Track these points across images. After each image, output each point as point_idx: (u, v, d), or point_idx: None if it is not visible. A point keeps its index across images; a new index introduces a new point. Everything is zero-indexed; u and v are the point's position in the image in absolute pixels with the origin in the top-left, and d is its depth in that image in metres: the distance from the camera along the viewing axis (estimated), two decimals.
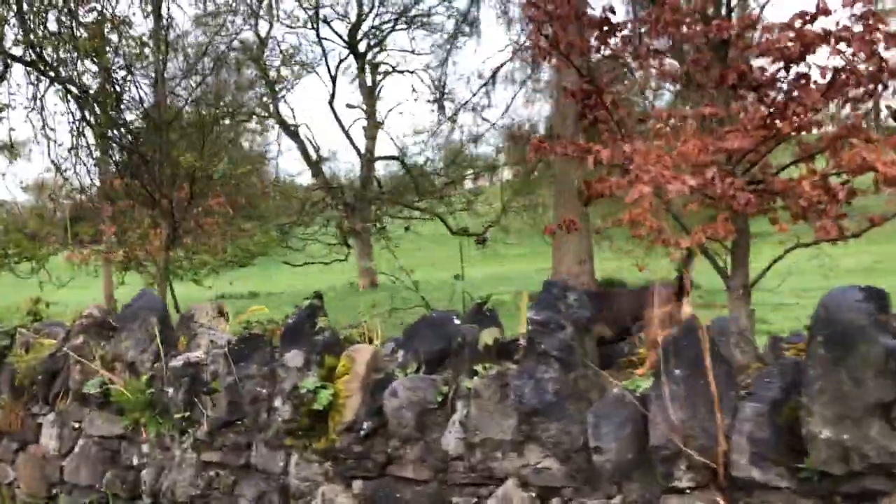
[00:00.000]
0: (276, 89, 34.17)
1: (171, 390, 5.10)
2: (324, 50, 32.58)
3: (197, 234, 15.54)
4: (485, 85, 25.41)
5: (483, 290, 5.67)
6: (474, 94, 25.68)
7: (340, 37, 33.79)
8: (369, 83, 35.68)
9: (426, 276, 36.92)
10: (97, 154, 17.33)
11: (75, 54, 16.07)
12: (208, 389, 4.93)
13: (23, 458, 6.33)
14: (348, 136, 34.14)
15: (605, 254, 24.61)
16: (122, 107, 17.12)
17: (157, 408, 5.25)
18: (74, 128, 17.58)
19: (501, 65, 25.04)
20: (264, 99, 34.12)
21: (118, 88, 16.58)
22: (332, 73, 32.40)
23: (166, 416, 5.22)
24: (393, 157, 35.85)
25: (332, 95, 33.47)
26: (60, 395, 6.09)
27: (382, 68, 34.57)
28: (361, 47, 34.38)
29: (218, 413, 4.83)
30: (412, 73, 34.34)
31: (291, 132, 35.27)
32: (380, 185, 35.78)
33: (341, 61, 32.49)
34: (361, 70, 35.08)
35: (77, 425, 5.90)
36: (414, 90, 40.55)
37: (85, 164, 17.70)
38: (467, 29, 25.47)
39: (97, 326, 5.91)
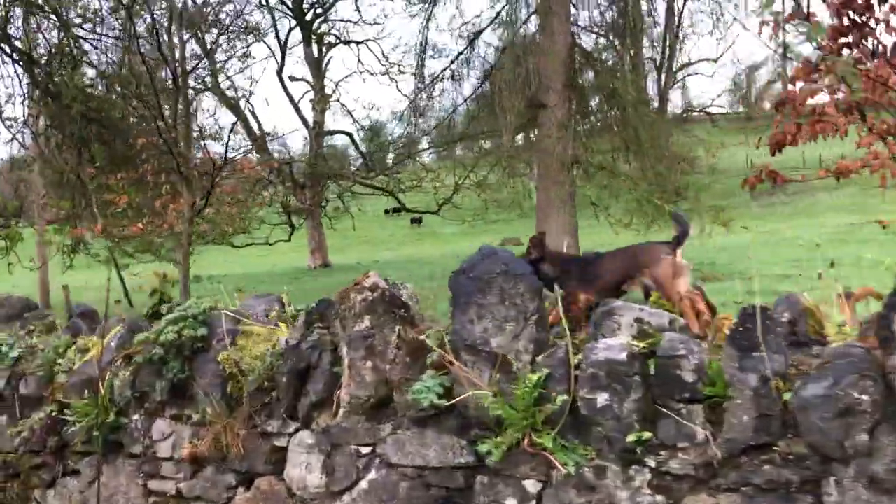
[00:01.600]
0: (216, 59, 31.12)
1: (602, 397, 3.15)
2: (273, 17, 29.72)
3: (221, 203, 13.21)
4: (462, 53, 23.33)
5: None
6: (453, 62, 23.57)
7: (285, 4, 31.09)
8: (316, 54, 33.16)
9: (367, 255, 34.55)
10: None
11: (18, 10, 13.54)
12: (695, 396, 3.01)
13: (247, 498, 4.21)
14: (297, 110, 31.61)
15: (594, 228, 23.24)
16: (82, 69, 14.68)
17: (558, 423, 3.28)
18: (23, 95, 15.02)
19: (481, 30, 23.05)
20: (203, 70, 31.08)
21: (76, 50, 14.13)
22: (282, 41, 29.71)
23: (578, 436, 3.27)
24: (342, 132, 33.46)
25: (281, 66, 30.81)
26: (325, 404, 4.01)
27: (332, 39, 32.01)
28: (308, 18, 31.81)
29: (734, 431, 2.92)
30: (360, 44, 31.88)
31: (233, 105, 32.40)
32: (325, 160, 33.25)
33: (291, 30, 29.81)
34: (308, 40, 32.54)
35: (367, 450, 3.83)
36: (360, 63, 38.10)
37: (33, 133, 15.22)
38: None
39: (387, 303, 3.86)
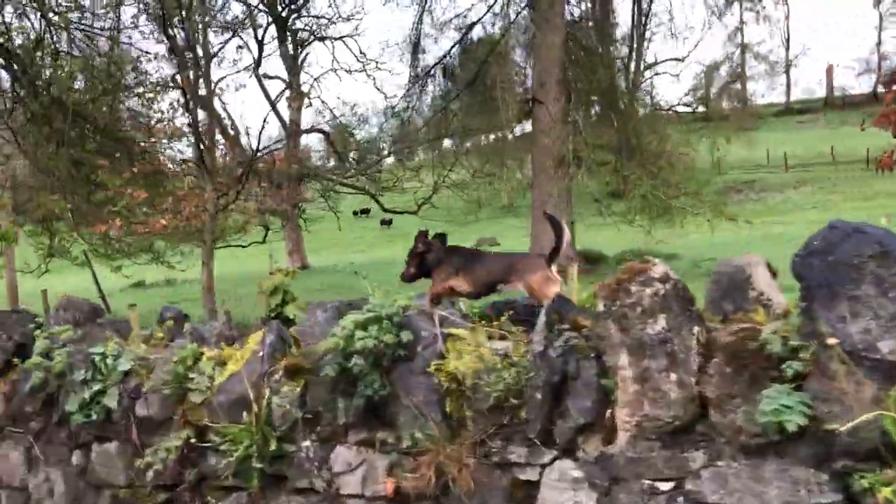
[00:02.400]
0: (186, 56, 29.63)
1: None
2: (251, 12, 28.33)
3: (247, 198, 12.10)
4: (458, 43, 22.34)
5: None
6: (445, 56, 22.61)
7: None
8: (291, 51, 31.97)
9: (339, 258, 33.40)
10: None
11: None
12: None
13: None
14: (274, 108, 30.32)
15: (598, 224, 22.57)
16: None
17: None
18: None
19: (475, 22, 22.17)
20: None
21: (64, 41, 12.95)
22: (260, 38, 28.41)
23: None
24: (318, 130, 32.27)
25: (258, 63, 29.48)
26: (594, 426, 3.08)
27: (309, 36, 30.84)
28: (283, 14, 30.56)
29: None
30: (336, 40, 30.77)
31: (205, 104, 30.87)
32: (301, 159, 31.99)
33: (269, 25, 28.54)
34: (283, 37, 31.31)
35: (668, 486, 2.92)
36: (335, 60, 36.95)
37: (11, 129, 13.92)
38: None
39: (681, 299, 2.96)
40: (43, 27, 12.78)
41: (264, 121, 11.40)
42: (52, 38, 13.01)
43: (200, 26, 10.69)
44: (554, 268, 3.85)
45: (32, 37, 12.70)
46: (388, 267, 27.90)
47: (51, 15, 12.57)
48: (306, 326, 4.11)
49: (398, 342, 3.44)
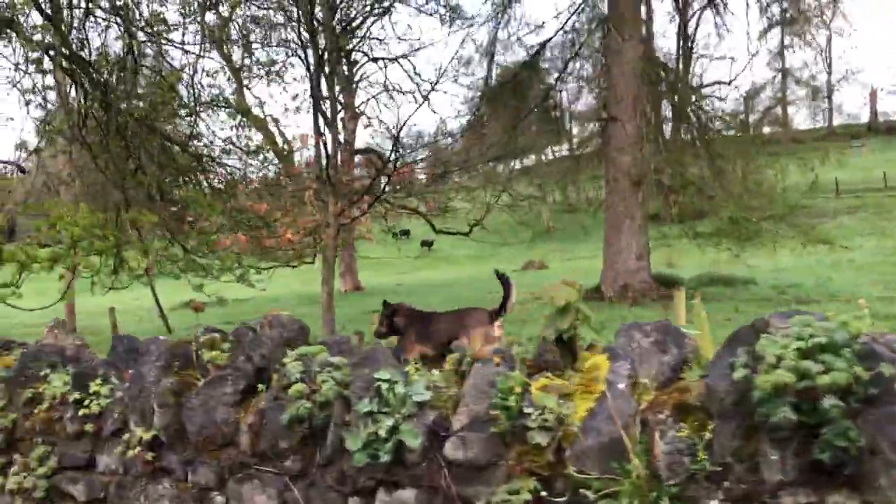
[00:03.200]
0: (243, 77, 28.99)
1: None
2: (312, 32, 27.65)
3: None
4: (532, 57, 21.52)
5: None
6: (516, 75, 21.82)
7: (316, 19, 29.01)
8: (346, 72, 31.36)
9: (385, 278, 32.52)
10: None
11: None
12: None
13: None
14: (329, 128, 29.51)
15: (681, 246, 21.60)
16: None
17: None
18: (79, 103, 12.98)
19: (548, 40, 21.41)
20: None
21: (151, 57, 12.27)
22: (320, 58, 27.68)
23: None
24: (370, 151, 31.55)
25: (317, 84, 28.72)
26: None
27: (362, 58, 30.24)
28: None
29: None
30: (393, 61, 30.12)
31: (260, 124, 30.23)
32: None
33: (325, 49, 27.85)
34: (338, 58, 30.64)
35: None
36: (388, 80, 36.35)
37: (90, 147, 13.12)
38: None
39: None
40: (128, 42, 12.03)
41: (398, 133, 10.49)
42: (136, 55, 12.26)
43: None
44: (497, 324, 4.00)
45: (114, 51, 11.98)
46: (443, 288, 27.03)
47: (134, 30, 11.82)
48: (619, 352, 3.25)
49: (875, 377, 2.53)
